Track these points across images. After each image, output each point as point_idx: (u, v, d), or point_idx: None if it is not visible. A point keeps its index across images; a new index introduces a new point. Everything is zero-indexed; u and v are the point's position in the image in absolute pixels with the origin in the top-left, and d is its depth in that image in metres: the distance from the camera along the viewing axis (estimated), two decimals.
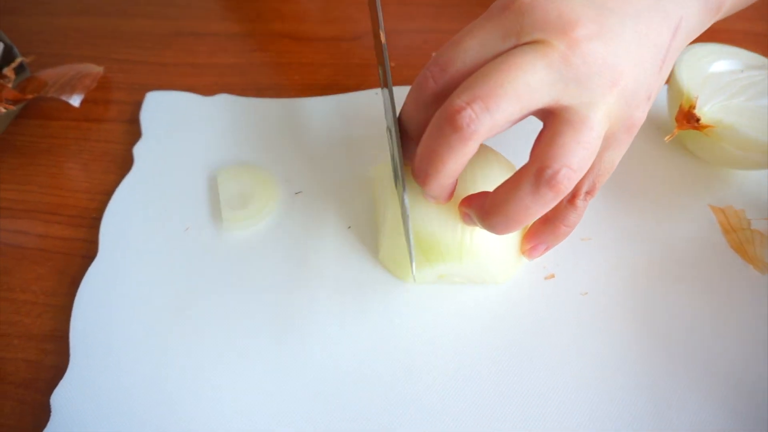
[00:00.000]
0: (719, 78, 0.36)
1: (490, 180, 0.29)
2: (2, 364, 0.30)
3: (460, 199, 0.28)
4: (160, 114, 0.40)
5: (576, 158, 0.23)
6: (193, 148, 0.38)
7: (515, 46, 0.24)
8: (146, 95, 0.42)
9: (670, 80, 0.37)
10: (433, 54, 0.44)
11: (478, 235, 0.29)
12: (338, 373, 0.29)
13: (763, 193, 0.36)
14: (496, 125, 0.23)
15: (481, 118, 0.23)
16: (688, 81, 0.35)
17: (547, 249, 0.30)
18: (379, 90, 0.42)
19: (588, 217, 0.35)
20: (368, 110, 0.41)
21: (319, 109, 0.41)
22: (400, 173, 0.28)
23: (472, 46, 0.24)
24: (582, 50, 0.23)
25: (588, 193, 0.27)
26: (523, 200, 0.24)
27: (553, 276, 0.33)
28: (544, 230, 0.29)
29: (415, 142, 0.27)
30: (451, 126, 0.23)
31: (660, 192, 0.37)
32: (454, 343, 0.30)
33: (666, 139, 0.34)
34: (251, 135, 0.39)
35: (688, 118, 0.34)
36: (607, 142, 0.25)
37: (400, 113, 0.28)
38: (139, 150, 0.38)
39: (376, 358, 0.30)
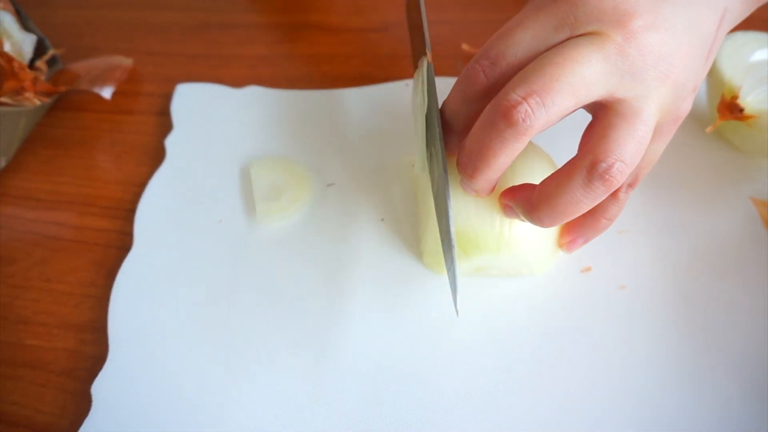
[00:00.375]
0: (761, 67, 0.35)
1: (528, 171, 0.29)
2: (42, 353, 0.30)
3: (498, 191, 0.28)
4: (191, 106, 0.40)
5: (629, 152, 0.23)
6: (225, 140, 0.38)
7: (569, 38, 0.23)
8: (176, 87, 0.42)
9: (711, 70, 0.36)
10: (464, 45, 0.43)
11: (516, 227, 0.29)
12: (377, 370, 0.29)
13: None
14: (550, 120, 0.23)
15: (537, 113, 0.22)
16: (730, 71, 0.34)
17: (585, 242, 0.30)
18: (410, 81, 0.41)
19: (625, 209, 0.34)
20: (399, 102, 0.40)
21: (349, 100, 0.41)
22: (442, 164, 0.27)
23: (524, 38, 0.23)
24: (639, 42, 0.22)
25: (630, 185, 0.27)
26: (574, 194, 0.23)
27: (590, 269, 0.33)
28: (584, 223, 0.28)
29: (459, 136, 0.26)
30: (506, 121, 0.22)
31: (699, 184, 0.36)
32: (493, 338, 0.30)
33: (707, 130, 0.33)
34: (282, 127, 0.39)
35: (730, 108, 0.33)
36: (655, 133, 0.24)
37: (443, 106, 0.27)
38: (170, 142, 0.38)
39: (413, 354, 0.29)
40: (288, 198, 0.34)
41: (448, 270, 0.26)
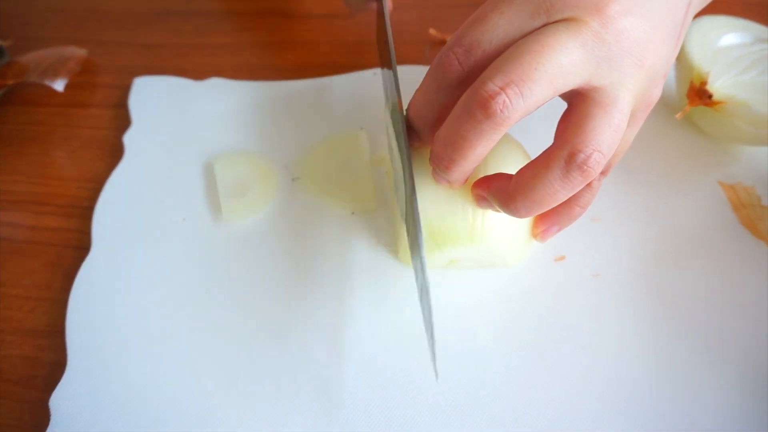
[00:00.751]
0: (729, 52, 0.35)
1: (501, 161, 0.28)
2: None
3: (470, 182, 0.27)
4: (150, 100, 0.39)
5: (606, 142, 0.22)
6: (187, 135, 0.37)
7: (545, 24, 0.22)
8: (134, 81, 0.40)
9: (680, 55, 0.36)
10: (431, 30, 0.42)
11: (489, 218, 0.28)
12: (347, 365, 0.28)
13: (763, 166, 0.36)
14: (528, 110, 0.22)
15: (515, 103, 0.22)
16: (699, 56, 0.34)
17: (559, 230, 0.29)
18: (377, 70, 0.40)
19: (598, 197, 0.34)
20: (368, 91, 0.39)
21: (316, 91, 0.39)
22: (406, 157, 0.26)
23: (499, 24, 0.23)
24: (615, 27, 0.22)
25: (603, 173, 0.27)
26: (552, 185, 0.23)
27: (563, 257, 0.32)
28: (559, 212, 0.28)
29: (431, 127, 0.26)
30: (484, 112, 0.22)
31: (668, 170, 0.36)
32: (467, 330, 0.30)
33: (677, 116, 0.33)
34: (246, 120, 0.38)
35: (699, 94, 0.33)
36: (629, 120, 0.24)
37: (415, 95, 0.26)
38: (129, 138, 0.37)
39: (387, 349, 0.29)
40: (254, 194, 0.33)
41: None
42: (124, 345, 0.29)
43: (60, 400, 0.27)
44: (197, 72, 0.41)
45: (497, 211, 0.27)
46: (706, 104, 0.33)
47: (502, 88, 0.21)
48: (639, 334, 0.30)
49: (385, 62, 0.31)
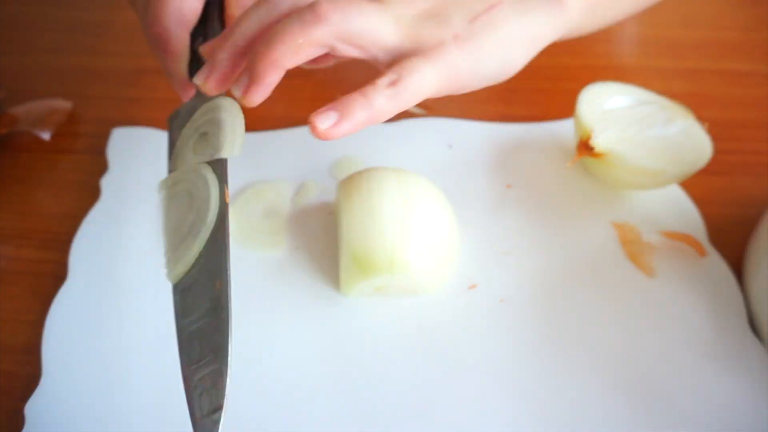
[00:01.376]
0: (614, 113, 0.42)
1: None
2: None
3: (383, 214, 0.33)
4: (126, 148, 0.44)
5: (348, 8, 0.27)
6: (156, 180, 0.42)
7: None
8: (112, 131, 0.45)
9: (575, 115, 0.42)
10: None
11: (407, 248, 0.34)
12: (273, 386, 0.33)
13: (653, 210, 0.42)
14: (347, 20, 0.26)
15: (338, 16, 0.26)
16: (587, 116, 0.41)
17: (339, 123, 0.27)
18: None
19: (508, 234, 0.40)
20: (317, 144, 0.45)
21: (272, 142, 0.46)
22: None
23: None
24: None
25: (393, 84, 0.27)
26: (291, 24, 0.26)
27: (475, 286, 0.38)
28: (349, 97, 0.28)
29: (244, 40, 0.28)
30: (312, 11, 0.26)
31: (570, 210, 0.42)
32: (384, 354, 0.34)
33: (568, 164, 0.40)
34: None
35: (585, 147, 0.39)
36: (418, 56, 0.28)
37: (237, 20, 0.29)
38: (106, 182, 0.42)
39: (313, 372, 0.33)
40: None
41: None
42: (94, 361, 0.33)
43: (34, 408, 0.31)
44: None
45: (249, 90, 0.28)
46: (591, 155, 0.39)
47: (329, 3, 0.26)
48: (535, 347, 0.35)
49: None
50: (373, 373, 0.34)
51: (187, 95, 0.36)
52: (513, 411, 0.32)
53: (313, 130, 0.27)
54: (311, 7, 0.26)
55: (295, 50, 0.26)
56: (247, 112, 0.48)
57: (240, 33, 0.28)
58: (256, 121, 0.48)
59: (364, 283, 0.35)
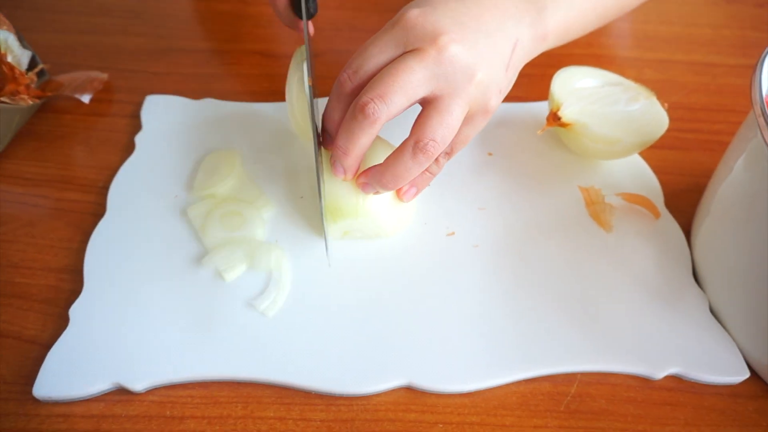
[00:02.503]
0: (583, 91, 0.48)
1: (377, 159, 0.39)
2: (28, 288, 0.39)
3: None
4: (158, 112, 0.50)
5: (440, 135, 0.34)
6: (184, 138, 0.49)
7: (403, 53, 0.34)
8: (146, 97, 0.52)
9: (549, 92, 0.48)
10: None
11: (369, 199, 0.39)
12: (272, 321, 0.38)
13: (616, 176, 0.48)
14: (392, 113, 0.34)
15: (380, 107, 0.33)
16: (558, 92, 0.47)
17: (417, 192, 0.40)
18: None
19: (486, 193, 0.46)
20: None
21: (280, 110, 0.52)
22: (319, 156, 0.38)
23: (374, 53, 0.34)
24: (449, 53, 0.33)
25: (448, 154, 0.38)
26: (406, 163, 0.35)
27: (453, 233, 0.44)
28: (415, 179, 0.39)
29: (336, 128, 0.36)
30: (363, 114, 0.33)
31: (543, 175, 0.48)
32: (377, 284, 0.40)
33: (538, 132, 0.45)
34: (227, 129, 0.50)
35: (554, 118, 0.45)
36: (467, 120, 0.36)
37: (326, 106, 0.37)
38: (140, 138, 0.48)
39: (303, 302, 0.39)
40: (217, 177, 0.45)
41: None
42: (128, 281, 0.39)
43: (77, 310, 0.37)
44: (194, 94, 0.53)
45: (377, 192, 0.38)
46: (559, 125, 0.45)
47: (372, 98, 0.33)
48: (502, 285, 0.40)
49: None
50: (370, 298, 0.39)
51: (294, 27, 0.46)
52: (480, 339, 0.38)
53: (402, 197, 0.40)
54: (361, 111, 0.33)
55: (366, 141, 0.35)
56: (262, 85, 0.54)
57: (330, 127, 0.37)
58: (270, 93, 0.54)
59: (333, 227, 0.40)
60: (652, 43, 0.62)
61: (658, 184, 0.48)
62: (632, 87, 0.48)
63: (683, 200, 0.47)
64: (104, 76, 0.53)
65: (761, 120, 0.33)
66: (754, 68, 0.35)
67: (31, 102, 0.47)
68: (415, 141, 0.34)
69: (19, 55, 0.48)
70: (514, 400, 0.35)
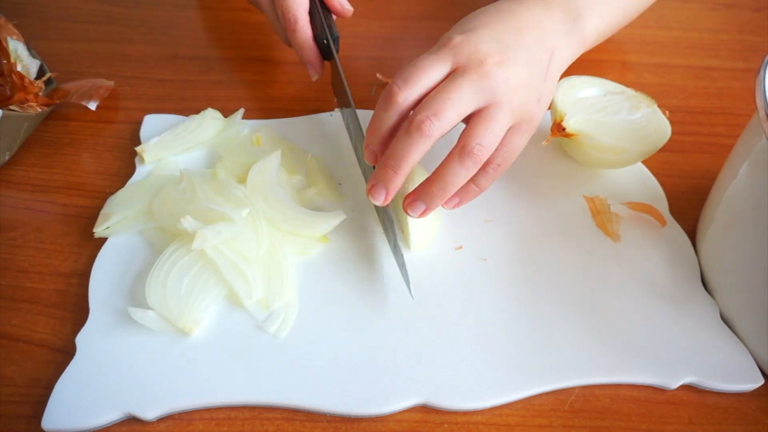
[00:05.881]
0: (586, 101, 0.48)
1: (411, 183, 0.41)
2: (38, 293, 0.40)
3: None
4: (156, 131, 0.50)
5: (486, 140, 0.36)
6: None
7: (452, 72, 0.37)
8: (144, 118, 0.51)
9: (551, 104, 0.48)
10: (378, 75, 0.56)
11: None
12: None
13: (621, 185, 0.48)
14: (444, 129, 0.35)
15: (436, 125, 0.35)
16: (561, 102, 0.47)
17: (460, 203, 0.40)
18: (333, 112, 0.53)
19: (491, 205, 0.46)
20: (324, 131, 0.51)
21: (277, 127, 0.51)
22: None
23: (426, 73, 0.37)
24: (492, 73, 0.36)
25: (498, 165, 0.38)
26: (454, 169, 0.36)
27: (461, 247, 0.43)
28: (461, 191, 0.39)
29: (381, 141, 0.37)
30: (419, 132, 0.35)
31: (548, 186, 0.48)
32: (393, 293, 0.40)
33: (543, 143, 0.46)
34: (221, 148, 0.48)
35: (558, 128, 0.46)
36: (514, 130, 0.38)
37: (371, 120, 0.38)
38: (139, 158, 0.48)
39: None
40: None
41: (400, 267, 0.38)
42: (134, 284, 0.39)
43: (83, 339, 0.36)
44: (197, 100, 0.54)
45: (424, 213, 0.37)
46: (563, 135, 0.45)
47: (427, 117, 0.35)
48: (511, 296, 0.40)
49: (345, 104, 0.44)
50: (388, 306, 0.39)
51: (314, 68, 0.50)
52: (493, 355, 0.37)
53: (445, 205, 0.39)
54: (418, 129, 0.35)
55: (417, 158, 0.36)
56: (265, 92, 0.55)
57: (374, 141, 0.38)
58: (274, 99, 0.55)
59: None
60: (651, 47, 0.63)
61: (661, 190, 0.48)
62: (633, 95, 0.49)
63: (686, 203, 0.47)
64: (110, 83, 0.54)
65: (767, 124, 0.33)
66: (758, 72, 0.35)
67: (39, 110, 0.48)
68: (461, 146, 0.36)
69: (28, 64, 0.49)
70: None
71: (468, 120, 0.37)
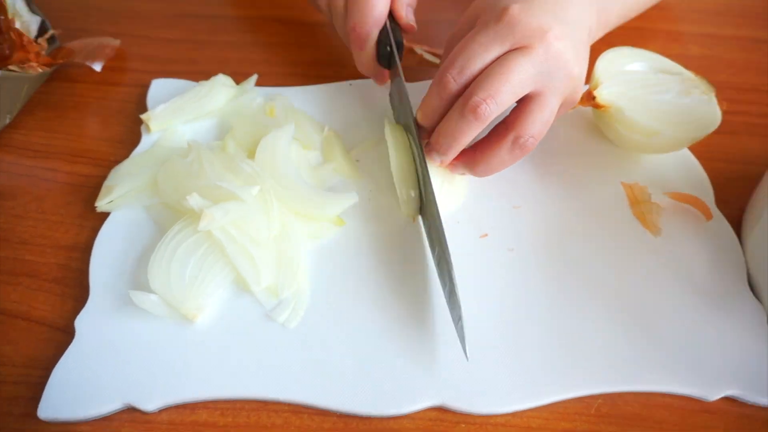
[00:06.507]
0: (631, 75, 0.43)
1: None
2: (38, 266, 0.38)
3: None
4: (164, 97, 0.46)
5: (538, 130, 0.35)
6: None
7: (509, 51, 0.34)
8: (152, 82, 0.48)
9: (592, 71, 0.43)
10: (417, 49, 0.51)
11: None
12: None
13: (663, 172, 0.43)
14: (499, 111, 0.34)
15: (492, 108, 0.33)
16: (601, 72, 0.43)
17: (499, 170, 0.38)
18: (353, 81, 0.49)
19: (520, 188, 0.42)
20: (342, 101, 0.48)
21: (293, 96, 0.47)
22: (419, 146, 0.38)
23: (478, 51, 0.34)
24: (554, 49, 0.34)
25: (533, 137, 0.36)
26: (502, 156, 0.36)
27: (486, 235, 0.40)
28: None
29: (434, 125, 0.37)
30: (474, 115, 0.33)
31: (583, 170, 0.43)
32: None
33: (569, 109, 0.41)
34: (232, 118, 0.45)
35: (588, 96, 0.42)
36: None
37: (423, 105, 0.37)
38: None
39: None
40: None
41: (455, 321, 0.33)
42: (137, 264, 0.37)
43: (83, 322, 0.34)
44: (207, 62, 0.50)
45: (463, 173, 0.39)
46: (592, 105, 0.41)
47: (484, 99, 0.33)
48: (538, 290, 0.37)
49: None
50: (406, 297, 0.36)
51: (380, 79, 0.46)
52: (518, 356, 0.34)
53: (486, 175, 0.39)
54: (473, 112, 0.34)
55: (471, 138, 0.36)
56: (279, 55, 0.52)
57: (428, 119, 0.37)
58: (289, 63, 0.52)
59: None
60: (698, 15, 0.58)
61: (708, 181, 0.43)
62: (690, 79, 0.44)
63: (732, 191, 0.43)
64: (117, 42, 0.51)
65: None
66: None
67: (40, 70, 0.45)
68: (516, 136, 0.35)
69: (28, 21, 0.46)
70: None
71: (519, 102, 0.35)
